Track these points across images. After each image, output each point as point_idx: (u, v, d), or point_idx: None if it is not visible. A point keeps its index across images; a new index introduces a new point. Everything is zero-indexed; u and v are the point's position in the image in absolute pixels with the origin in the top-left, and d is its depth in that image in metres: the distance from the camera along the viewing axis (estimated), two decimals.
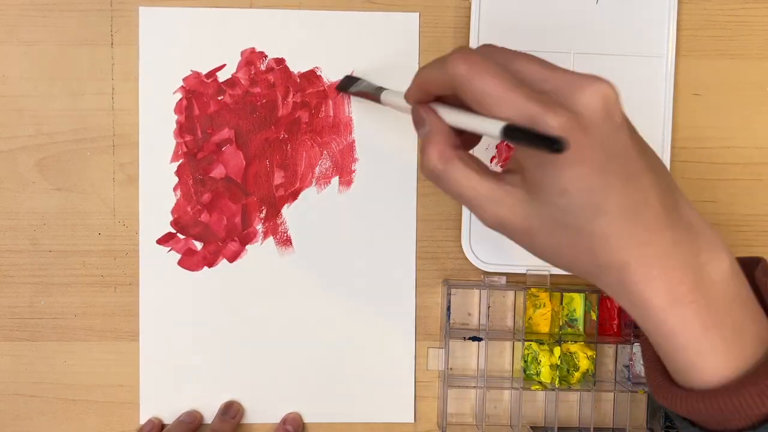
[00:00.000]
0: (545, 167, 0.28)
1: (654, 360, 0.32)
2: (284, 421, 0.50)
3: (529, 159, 0.29)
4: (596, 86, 0.27)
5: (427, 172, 0.31)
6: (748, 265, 0.32)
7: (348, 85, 0.48)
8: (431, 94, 0.32)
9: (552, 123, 0.26)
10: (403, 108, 0.36)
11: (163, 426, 0.49)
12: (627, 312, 0.30)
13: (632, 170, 0.28)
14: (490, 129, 0.28)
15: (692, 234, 0.29)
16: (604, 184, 0.27)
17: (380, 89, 0.44)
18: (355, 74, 0.49)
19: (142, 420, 0.50)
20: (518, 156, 0.30)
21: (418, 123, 0.32)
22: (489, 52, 0.30)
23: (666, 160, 0.50)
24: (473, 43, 0.49)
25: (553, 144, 0.26)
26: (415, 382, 0.51)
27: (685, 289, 0.28)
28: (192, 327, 0.50)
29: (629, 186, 0.28)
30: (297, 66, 0.50)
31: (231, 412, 0.49)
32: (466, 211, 0.50)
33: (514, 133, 0.27)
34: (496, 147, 0.50)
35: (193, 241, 0.50)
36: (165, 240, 0.49)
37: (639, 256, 0.28)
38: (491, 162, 0.50)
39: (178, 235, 0.50)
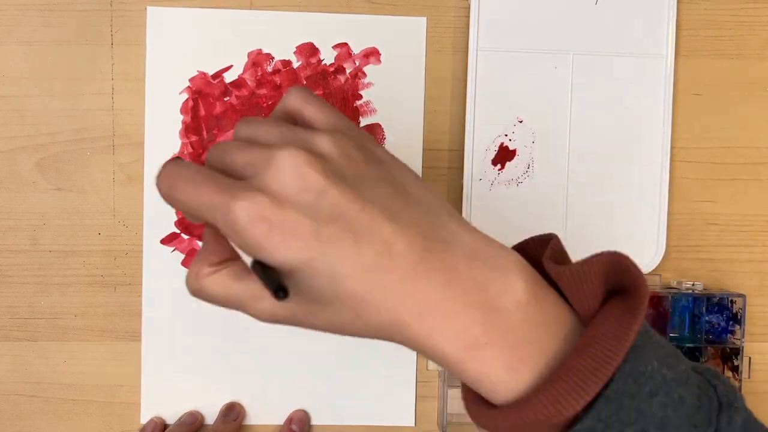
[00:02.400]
0: (260, 253, 0.26)
1: (470, 391, 0.29)
2: (290, 419, 0.50)
3: None
4: (281, 159, 0.26)
5: (190, 292, 0.31)
6: (540, 246, 0.30)
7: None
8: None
9: (238, 214, 0.25)
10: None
11: (165, 426, 0.49)
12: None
13: (358, 226, 0.26)
14: (245, 257, 0.28)
15: (475, 267, 0.27)
16: (324, 251, 0.25)
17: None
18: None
19: (143, 420, 0.50)
20: None
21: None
22: (212, 151, 0.30)
23: (666, 160, 0.50)
24: (472, 43, 0.49)
25: (276, 291, 0.25)
26: (416, 384, 0.51)
27: (478, 331, 0.26)
28: (194, 327, 0.50)
29: (360, 243, 0.26)
30: (303, 68, 0.50)
31: (233, 414, 0.49)
32: (466, 213, 0.50)
33: (254, 265, 0.27)
34: (497, 147, 0.50)
35: (197, 241, 0.50)
36: (169, 240, 0.49)
37: (410, 309, 0.26)
38: (491, 164, 0.50)
39: (182, 235, 0.50)
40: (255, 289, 0.29)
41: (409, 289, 0.26)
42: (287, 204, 0.26)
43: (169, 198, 0.28)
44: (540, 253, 0.30)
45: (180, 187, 0.27)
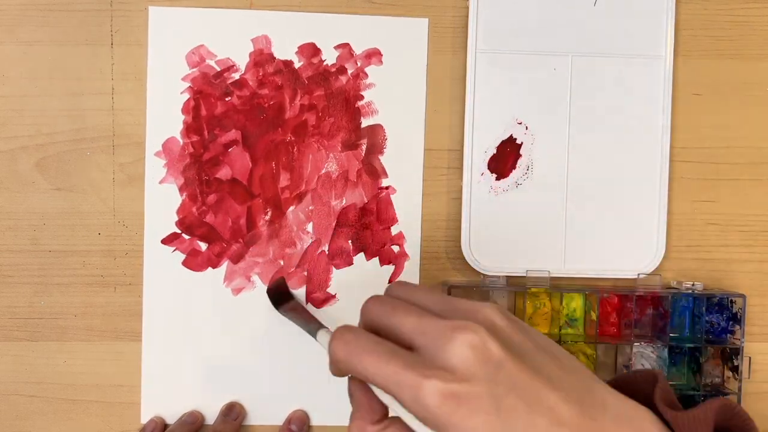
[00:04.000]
0: (448, 429, 0.27)
1: None
2: (289, 420, 0.50)
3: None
4: (463, 335, 0.28)
5: None
6: (645, 383, 0.32)
7: (279, 299, 0.49)
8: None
9: (429, 393, 0.27)
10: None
11: (165, 426, 0.49)
12: None
13: (531, 396, 0.27)
14: (414, 426, 0.29)
15: (622, 429, 0.28)
16: (504, 424, 0.27)
17: (316, 326, 0.43)
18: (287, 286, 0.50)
19: (143, 420, 0.50)
20: None
21: (349, 394, 0.33)
22: (372, 311, 0.31)
23: (666, 160, 0.50)
24: (471, 44, 0.49)
25: None
26: None
27: None
28: (194, 327, 0.50)
29: (533, 414, 0.27)
30: (305, 69, 0.50)
31: (233, 414, 0.49)
32: (465, 214, 0.50)
33: None
34: (496, 148, 0.50)
35: (198, 241, 0.50)
36: (170, 240, 0.49)
37: None
38: (491, 165, 0.50)
39: (183, 235, 0.50)
40: None
41: None
42: (471, 379, 0.27)
43: (345, 365, 0.30)
44: (643, 390, 0.32)
45: (362, 358, 0.29)
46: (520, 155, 0.50)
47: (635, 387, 0.32)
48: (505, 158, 0.50)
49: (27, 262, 0.49)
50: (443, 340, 0.28)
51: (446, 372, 0.27)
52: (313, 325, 0.43)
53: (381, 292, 0.46)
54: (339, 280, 0.50)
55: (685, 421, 0.29)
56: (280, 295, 0.49)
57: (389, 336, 0.30)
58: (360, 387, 0.32)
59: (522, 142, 0.50)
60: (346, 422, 0.50)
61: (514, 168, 0.50)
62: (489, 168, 0.50)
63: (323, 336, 0.40)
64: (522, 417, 0.27)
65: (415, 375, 0.27)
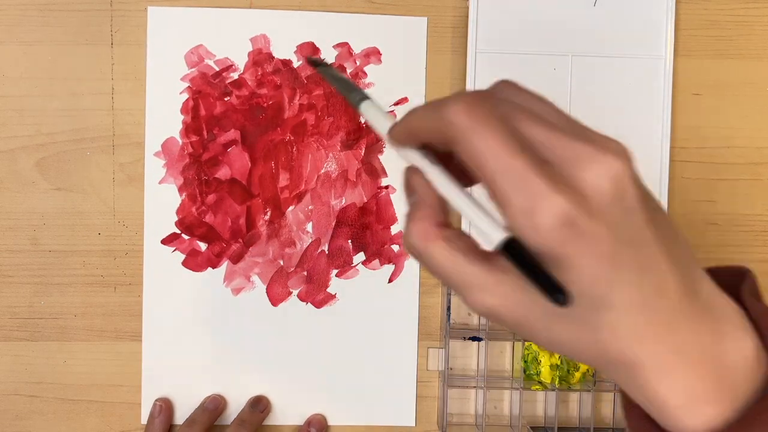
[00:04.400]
0: (548, 257, 0.24)
1: (636, 407, 0.28)
2: (308, 422, 0.50)
3: None
4: (605, 163, 0.24)
5: (408, 248, 0.27)
6: (734, 279, 0.29)
7: (322, 66, 0.41)
8: (420, 139, 0.27)
9: (550, 209, 0.23)
10: (380, 130, 0.31)
11: (171, 408, 0.49)
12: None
13: (647, 257, 0.24)
14: (492, 234, 0.24)
15: (714, 319, 0.26)
16: (612, 276, 0.24)
17: (360, 94, 0.33)
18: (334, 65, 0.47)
19: (143, 420, 0.50)
20: None
21: (407, 189, 0.29)
22: (494, 96, 0.26)
23: (666, 160, 0.50)
24: (471, 45, 0.49)
25: (554, 292, 0.23)
26: (416, 384, 0.51)
27: (708, 386, 0.25)
28: (194, 327, 0.50)
29: (642, 276, 0.24)
30: (304, 68, 0.50)
31: (260, 406, 0.49)
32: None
33: (514, 253, 0.24)
34: None
35: (198, 241, 0.50)
36: (169, 240, 0.49)
37: (653, 352, 0.25)
38: None
39: (183, 235, 0.50)
40: (489, 280, 0.25)
41: (663, 333, 0.25)
42: (598, 214, 0.24)
43: (462, 132, 0.24)
44: (731, 285, 0.29)
45: (488, 133, 0.24)
46: None
47: (722, 280, 0.28)
48: None
49: (27, 262, 0.49)
50: (580, 162, 0.24)
51: (577, 194, 0.23)
52: (355, 94, 0.33)
53: (381, 292, 0.45)
54: (339, 279, 0.50)
55: None
56: (316, 61, 0.40)
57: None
58: (423, 181, 0.27)
59: None
60: (346, 422, 0.51)
61: None
62: None
63: (369, 107, 0.32)
64: (631, 274, 0.24)
65: (543, 181, 0.23)
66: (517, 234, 0.24)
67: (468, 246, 0.26)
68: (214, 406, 0.49)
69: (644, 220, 0.25)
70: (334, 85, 0.39)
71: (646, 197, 0.25)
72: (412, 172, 0.28)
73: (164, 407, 0.49)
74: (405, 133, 0.28)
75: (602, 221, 0.24)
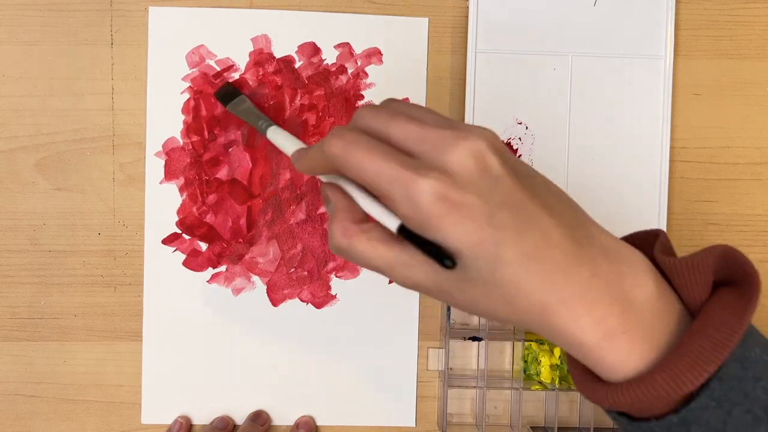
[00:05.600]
0: (434, 230, 0.28)
1: (577, 365, 0.31)
2: (297, 425, 0.50)
3: None
4: (466, 143, 0.28)
5: (334, 248, 0.31)
6: (647, 241, 0.32)
7: (227, 97, 0.48)
8: (319, 173, 0.33)
9: (423, 190, 0.27)
10: (287, 152, 0.37)
11: (191, 426, 0.49)
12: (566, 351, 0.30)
13: (524, 215, 0.28)
14: (389, 224, 0.29)
15: (611, 262, 0.29)
16: (496, 236, 0.27)
17: (266, 122, 0.43)
18: (234, 84, 0.49)
19: (143, 420, 0.50)
20: None
21: (324, 200, 0.33)
22: (368, 117, 0.30)
23: (666, 160, 0.50)
24: (471, 45, 0.49)
25: (442, 258, 0.27)
26: (416, 384, 0.51)
27: (615, 320, 0.28)
28: (195, 328, 0.50)
29: (525, 232, 0.28)
30: (305, 68, 0.50)
31: (260, 420, 0.49)
32: None
33: (408, 234, 0.28)
34: None
35: (198, 241, 0.50)
36: (170, 240, 0.49)
37: (557, 297, 0.28)
38: None
39: (184, 235, 0.50)
40: (405, 257, 0.30)
41: (561, 279, 0.28)
42: (467, 186, 0.27)
43: (340, 160, 0.29)
44: (644, 246, 0.32)
45: (358, 153, 0.29)
46: (520, 155, 0.50)
47: (636, 243, 0.32)
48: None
49: (27, 262, 0.49)
50: (445, 147, 0.28)
51: (444, 175, 0.27)
52: (263, 122, 0.43)
53: (382, 292, 0.46)
54: (339, 280, 0.50)
55: (682, 268, 0.29)
56: (226, 95, 0.48)
57: (385, 143, 0.30)
58: (337, 190, 0.32)
59: (522, 142, 0.50)
60: (346, 422, 0.51)
61: None
62: None
63: (274, 132, 0.40)
64: (513, 233, 0.27)
65: (412, 173, 0.27)
66: (405, 219, 0.28)
67: (384, 234, 0.30)
68: (223, 425, 0.49)
69: (513, 186, 0.28)
70: (242, 117, 0.47)
71: (515, 167, 0.29)
72: (326, 186, 0.33)
73: (184, 425, 0.49)
74: (306, 170, 0.33)
75: (472, 191, 0.27)
